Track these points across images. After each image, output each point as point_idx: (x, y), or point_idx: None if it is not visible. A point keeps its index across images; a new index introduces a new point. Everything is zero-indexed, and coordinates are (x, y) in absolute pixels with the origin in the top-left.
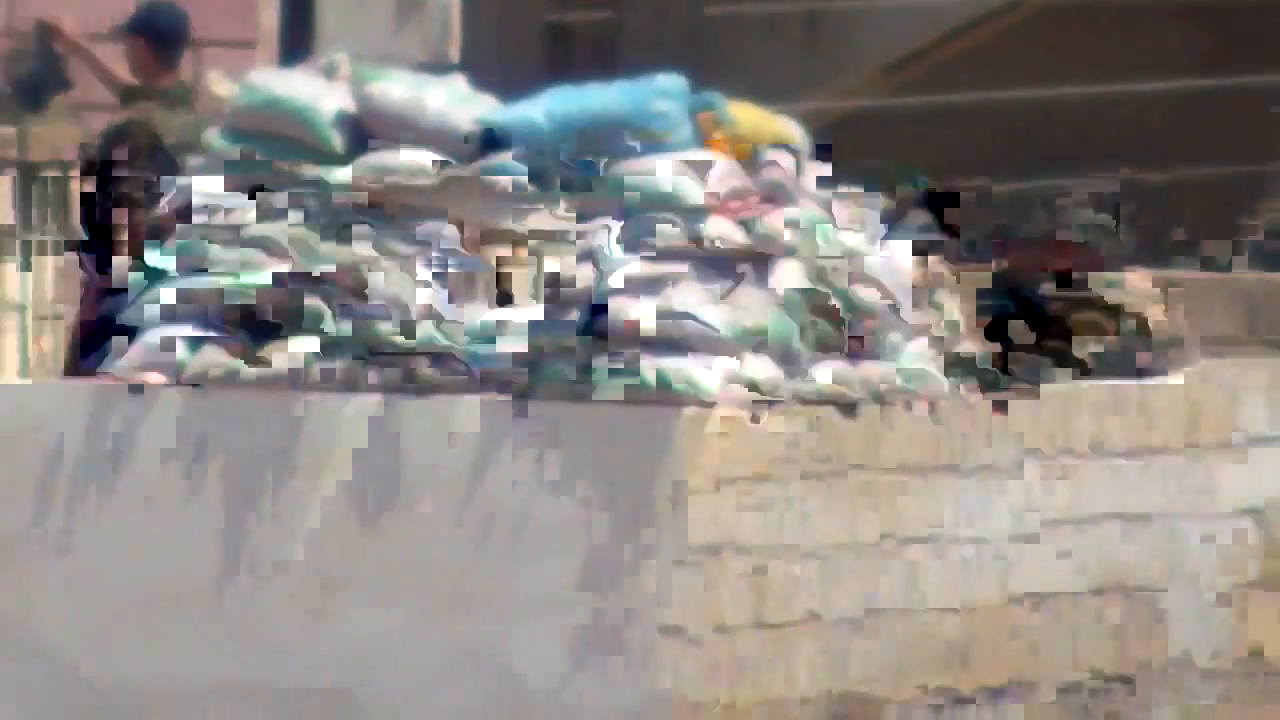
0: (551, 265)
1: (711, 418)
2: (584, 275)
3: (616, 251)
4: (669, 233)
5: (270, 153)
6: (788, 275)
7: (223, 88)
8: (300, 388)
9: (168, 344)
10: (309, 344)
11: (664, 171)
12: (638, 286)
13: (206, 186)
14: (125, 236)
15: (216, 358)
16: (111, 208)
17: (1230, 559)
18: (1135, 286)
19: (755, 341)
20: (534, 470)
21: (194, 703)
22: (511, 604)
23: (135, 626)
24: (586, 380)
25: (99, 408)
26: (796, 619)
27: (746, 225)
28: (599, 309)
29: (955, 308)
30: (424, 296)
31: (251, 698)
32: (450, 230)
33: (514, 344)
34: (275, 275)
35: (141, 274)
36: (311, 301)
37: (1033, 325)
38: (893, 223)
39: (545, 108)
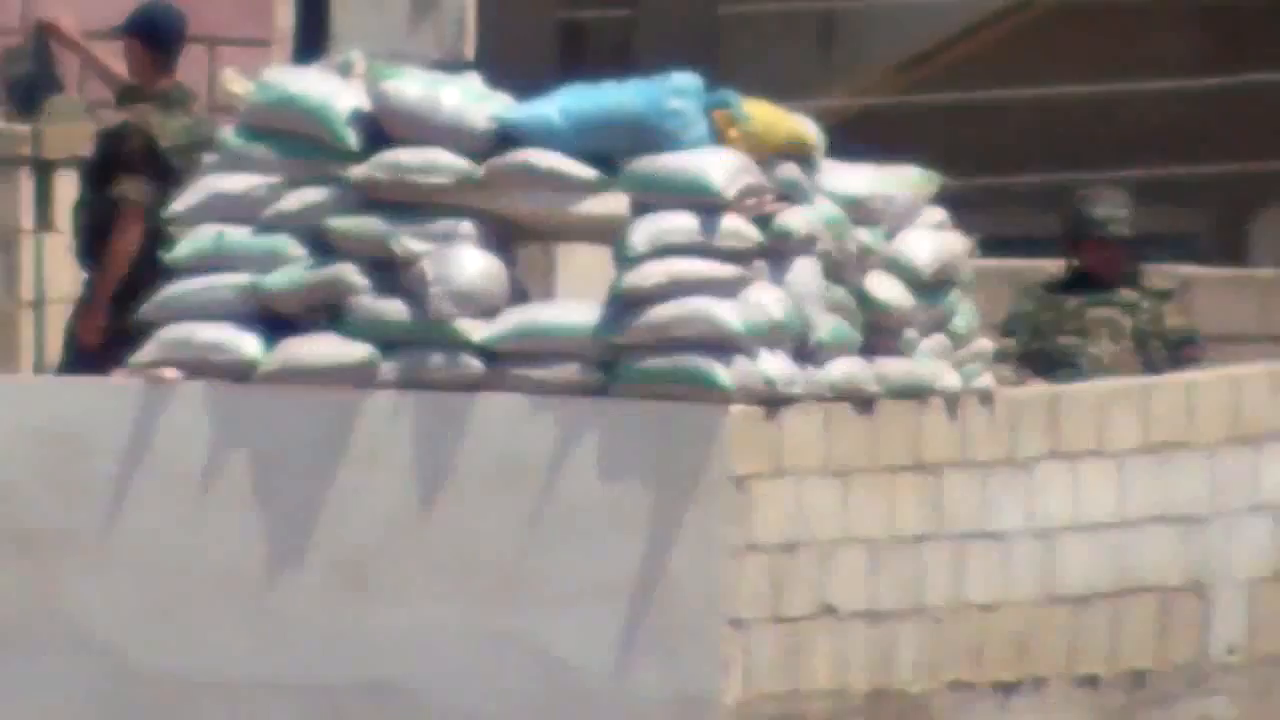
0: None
1: (753, 412)
2: (655, 272)
3: (638, 247)
4: (687, 228)
5: (286, 151)
6: (804, 272)
7: (238, 86)
8: (353, 382)
9: (182, 340)
10: (355, 338)
11: (692, 161)
12: (681, 286)
13: (224, 185)
14: (122, 238)
15: (296, 351)
16: (109, 209)
17: (1261, 554)
18: (1153, 284)
19: (771, 338)
20: (590, 462)
21: (241, 694)
22: (562, 593)
23: (183, 619)
24: (613, 375)
25: (147, 403)
26: (848, 610)
27: (762, 223)
28: (621, 305)
29: (972, 304)
30: (472, 287)
31: (298, 689)
32: (466, 226)
33: (560, 339)
34: (315, 264)
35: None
36: (359, 296)
37: (1054, 322)
38: (906, 219)
39: (560, 105)
